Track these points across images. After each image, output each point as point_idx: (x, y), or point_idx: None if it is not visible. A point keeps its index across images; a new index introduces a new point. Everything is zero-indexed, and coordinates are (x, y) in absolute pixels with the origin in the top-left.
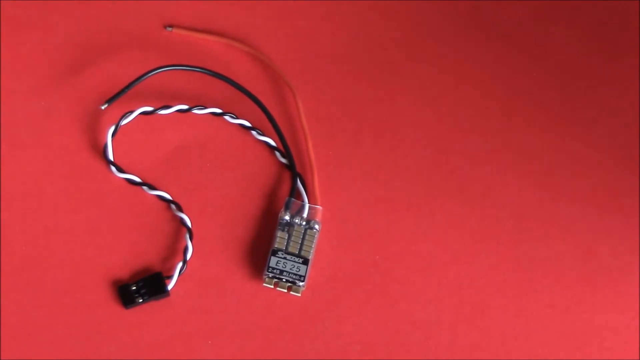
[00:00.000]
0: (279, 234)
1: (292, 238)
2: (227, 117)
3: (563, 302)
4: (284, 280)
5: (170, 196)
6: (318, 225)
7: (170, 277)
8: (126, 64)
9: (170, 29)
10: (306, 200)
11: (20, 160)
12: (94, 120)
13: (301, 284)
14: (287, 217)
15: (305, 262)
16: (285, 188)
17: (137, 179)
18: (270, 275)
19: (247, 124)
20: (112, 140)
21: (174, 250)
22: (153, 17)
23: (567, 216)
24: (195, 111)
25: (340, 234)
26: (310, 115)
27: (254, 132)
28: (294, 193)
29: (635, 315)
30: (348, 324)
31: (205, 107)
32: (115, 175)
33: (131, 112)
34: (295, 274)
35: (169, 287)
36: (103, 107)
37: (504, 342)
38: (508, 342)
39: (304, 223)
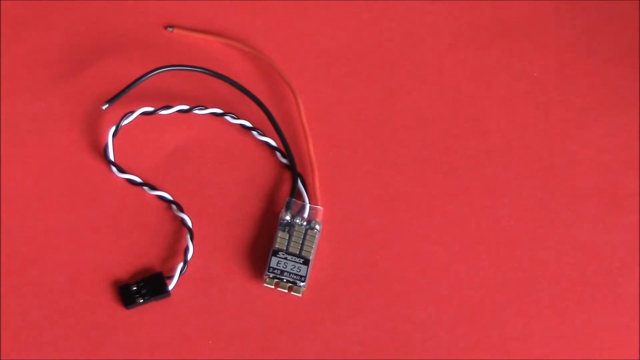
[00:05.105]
0: (280, 234)
1: (293, 238)
2: (227, 118)
3: (563, 302)
4: (284, 280)
5: (171, 196)
6: (319, 225)
7: (171, 277)
8: (127, 64)
9: (170, 29)
10: (307, 200)
11: (20, 160)
12: (95, 120)
13: (302, 284)
14: (287, 218)
15: (306, 262)
16: (286, 188)
17: (138, 179)
18: (271, 275)
19: (248, 124)
20: (112, 140)
21: (174, 250)
22: (153, 17)
23: (567, 216)
24: (196, 111)
25: (341, 234)
26: (310, 116)
27: (254, 133)
28: (295, 193)
29: (635, 315)
30: (348, 324)
31: (206, 108)
32: (116, 176)
33: (132, 112)
34: (296, 274)
35: (170, 287)
36: (104, 108)
37: (504, 342)
38: (508, 342)
39: (304, 223)
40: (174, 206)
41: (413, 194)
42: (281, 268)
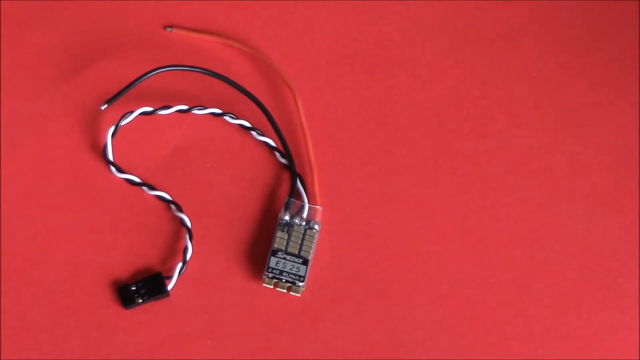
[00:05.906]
0: (279, 234)
1: (292, 238)
2: (227, 118)
3: (563, 302)
4: (283, 280)
5: (170, 196)
6: (318, 225)
7: (170, 277)
8: (126, 64)
9: (170, 29)
10: (306, 200)
11: (20, 160)
12: (94, 120)
13: (301, 284)
14: (286, 218)
15: (305, 262)
16: (285, 188)
17: (137, 179)
18: (270, 275)
19: (247, 124)
20: (112, 140)
21: (173, 250)
22: (153, 17)
23: (567, 216)
24: (195, 111)
25: (340, 234)
26: (310, 116)
27: (253, 133)
28: (294, 193)
29: (635, 315)
30: (347, 325)
31: (205, 108)
32: (115, 176)
33: (131, 112)
34: (295, 274)
35: (169, 287)
36: (103, 108)
37: (504, 342)
38: (508, 342)
39: (303, 223)
40: (173, 206)
41: (412, 194)
42: (280, 268)
